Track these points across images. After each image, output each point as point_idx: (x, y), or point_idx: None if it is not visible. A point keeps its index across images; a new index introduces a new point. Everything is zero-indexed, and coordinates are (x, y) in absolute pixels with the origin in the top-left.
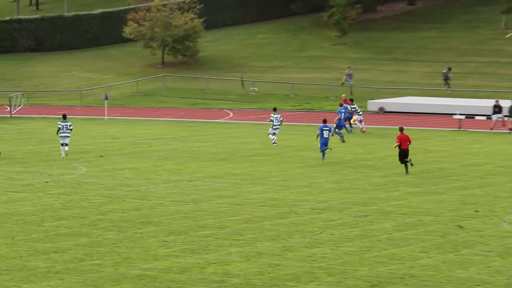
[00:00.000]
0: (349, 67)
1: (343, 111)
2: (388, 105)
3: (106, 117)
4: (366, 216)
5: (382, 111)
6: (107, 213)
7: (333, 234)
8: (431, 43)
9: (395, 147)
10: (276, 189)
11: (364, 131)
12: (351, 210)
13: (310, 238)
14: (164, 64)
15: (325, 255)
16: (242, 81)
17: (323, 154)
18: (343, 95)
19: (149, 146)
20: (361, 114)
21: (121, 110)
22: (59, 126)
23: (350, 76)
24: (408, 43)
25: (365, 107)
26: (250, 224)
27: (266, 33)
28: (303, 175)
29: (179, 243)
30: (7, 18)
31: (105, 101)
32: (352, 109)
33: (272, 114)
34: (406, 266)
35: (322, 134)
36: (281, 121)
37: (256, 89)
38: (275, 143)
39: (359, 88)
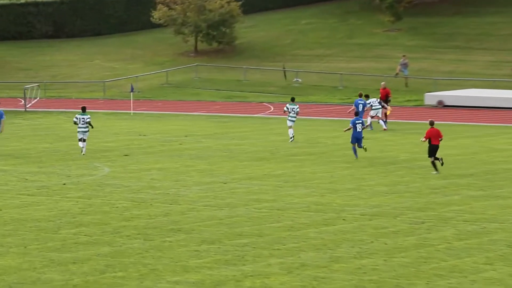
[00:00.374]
0: (404, 56)
1: (362, 102)
2: (447, 98)
3: (131, 111)
4: (423, 223)
5: (441, 105)
6: (132, 219)
7: (385, 244)
8: (496, 29)
9: (423, 141)
10: (321, 192)
11: (385, 129)
12: (406, 216)
13: (360, 247)
14: (197, 52)
15: (377, 267)
16: (284, 72)
17: (355, 151)
18: (382, 83)
19: (180, 144)
20: (379, 108)
21: (149, 104)
22: (75, 119)
23: (405, 65)
24: (470, 29)
25: (422, 100)
26: (292, 232)
27: (311, 17)
28: (351, 177)
29: (213, 253)
30: (22, 0)
31: (131, 93)
32: (370, 105)
33: (287, 105)
34: (468, 280)
35: (354, 127)
36: (297, 113)
37: (299, 80)
38: (292, 138)
39: (415, 80)
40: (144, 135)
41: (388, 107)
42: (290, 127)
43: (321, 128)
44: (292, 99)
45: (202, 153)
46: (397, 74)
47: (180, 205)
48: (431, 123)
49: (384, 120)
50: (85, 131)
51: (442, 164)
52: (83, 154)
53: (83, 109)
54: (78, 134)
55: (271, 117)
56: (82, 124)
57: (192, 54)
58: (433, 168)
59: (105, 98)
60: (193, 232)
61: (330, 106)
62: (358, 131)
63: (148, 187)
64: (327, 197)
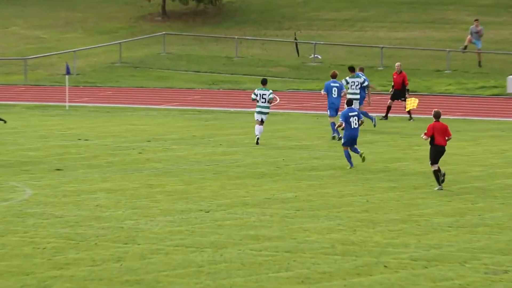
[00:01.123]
0: (476, 21)
1: (336, 85)
2: None
3: (67, 103)
4: (506, 272)
5: None
6: (67, 266)
7: None
8: None
9: (424, 139)
10: (351, 225)
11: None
12: (480, 262)
13: None
14: (165, 15)
15: None
16: (296, 44)
17: (349, 157)
18: (397, 64)
19: (140, 153)
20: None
21: (93, 92)
22: None
23: (478, 35)
24: None
25: (503, 87)
26: (307, 285)
27: None
28: (397, 202)
29: None
30: None
31: (67, 76)
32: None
33: (256, 90)
34: None
35: (348, 123)
36: (270, 101)
37: (319, 57)
38: (258, 141)
39: (494, 56)
40: (86, 140)
41: (411, 100)
42: (260, 122)
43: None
44: (264, 82)
45: (173, 166)
46: (465, 47)
47: (139, 244)
48: (436, 116)
49: (386, 117)
50: None
51: (443, 180)
52: None
53: None
54: None
55: (277, 112)
56: None
57: (159, 18)
58: (435, 182)
59: (27, 84)
60: (158, 286)
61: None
62: (354, 128)
63: (91, 217)
64: (360, 233)
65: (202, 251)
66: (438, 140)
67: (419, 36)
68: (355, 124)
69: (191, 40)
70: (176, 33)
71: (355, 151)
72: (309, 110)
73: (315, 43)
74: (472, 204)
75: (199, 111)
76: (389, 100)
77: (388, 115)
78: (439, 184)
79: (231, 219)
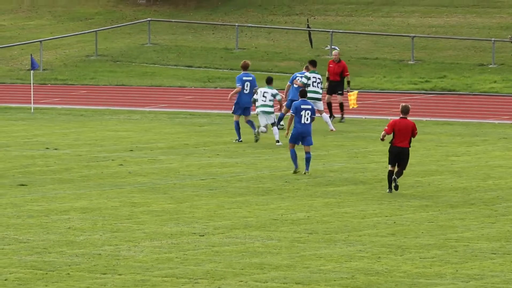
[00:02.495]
0: None
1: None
2: None
3: (32, 105)
4: None
5: None
6: None
7: None
8: None
9: (382, 138)
10: (375, 251)
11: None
12: None
13: None
14: None
15: None
16: (309, 33)
17: (295, 158)
18: (335, 51)
19: (121, 165)
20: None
21: (64, 92)
22: None
23: None
24: None
25: None
26: None
27: None
28: (430, 224)
29: None
30: None
31: (31, 72)
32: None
33: (260, 88)
34: None
35: (299, 117)
36: (280, 100)
37: (337, 48)
38: (256, 134)
39: None
40: (56, 149)
41: (351, 93)
42: (265, 125)
43: (374, 136)
44: (269, 81)
45: (160, 181)
46: None
47: (120, 275)
48: (404, 111)
49: (331, 116)
50: None
51: (395, 187)
52: None
53: None
54: None
55: (286, 115)
56: None
57: (143, 1)
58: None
59: None
60: None
61: (390, 95)
62: (304, 123)
63: (62, 242)
64: (385, 261)
65: (196, 282)
66: (398, 140)
67: (458, 23)
68: (307, 119)
69: (182, 28)
70: (164, 19)
71: (307, 157)
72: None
73: (332, 31)
74: None
75: (192, 114)
76: (326, 96)
77: (333, 112)
78: (389, 188)
79: (230, 245)
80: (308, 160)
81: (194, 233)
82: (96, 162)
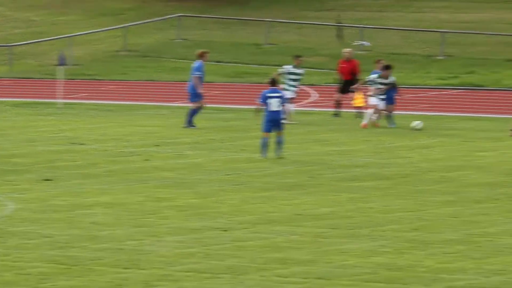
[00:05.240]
0: None
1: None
2: None
3: (60, 100)
4: None
5: None
6: None
7: None
8: None
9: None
10: (398, 246)
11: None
12: None
13: None
14: None
15: None
16: (339, 28)
17: (265, 146)
18: (347, 51)
19: (146, 160)
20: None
21: (93, 87)
22: None
23: None
24: None
25: None
26: None
27: None
28: (455, 219)
29: None
30: None
31: (61, 68)
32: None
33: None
34: None
35: (267, 105)
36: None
37: (366, 43)
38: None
39: None
40: (82, 144)
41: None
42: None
43: (401, 132)
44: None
45: (186, 176)
46: None
47: (143, 269)
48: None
49: (337, 110)
50: None
51: None
52: None
53: None
54: None
55: (312, 111)
56: None
57: None
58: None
59: (12, 77)
60: None
61: (419, 91)
62: (274, 111)
63: (86, 237)
64: (408, 256)
65: (218, 277)
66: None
67: (490, 19)
68: (277, 106)
69: (212, 23)
70: (193, 15)
71: (279, 142)
72: (353, 109)
73: (362, 27)
74: None
75: (219, 109)
76: (337, 94)
77: (339, 110)
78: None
79: (254, 239)
80: (279, 143)
81: (218, 228)
82: (122, 157)
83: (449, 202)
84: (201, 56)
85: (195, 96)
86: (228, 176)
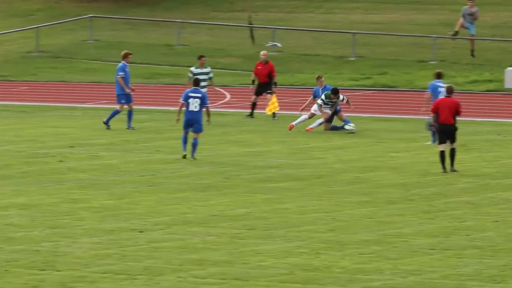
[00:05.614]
0: (470, 2)
1: None
2: None
3: None
4: None
5: None
6: None
7: None
8: None
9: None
10: (314, 247)
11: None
12: None
13: None
14: None
15: None
16: (251, 29)
17: (185, 142)
18: (263, 53)
19: (61, 161)
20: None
21: (5, 88)
22: None
23: (472, 17)
24: None
25: (501, 81)
26: None
27: None
28: (369, 220)
29: None
30: None
31: None
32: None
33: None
34: None
35: (187, 105)
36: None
37: (279, 45)
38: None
39: (489, 43)
40: None
41: (274, 101)
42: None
43: (315, 133)
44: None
45: (100, 177)
46: (456, 33)
47: (59, 271)
48: (449, 91)
49: (252, 112)
50: None
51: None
52: None
53: None
54: None
55: (226, 112)
56: None
57: None
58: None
59: None
60: None
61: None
62: (192, 111)
63: (1, 239)
64: (324, 257)
65: (135, 278)
66: (443, 118)
67: (399, 20)
68: (195, 107)
69: (124, 24)
70: (105, 16)
71: (194, 143)
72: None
73: (274, 28)
74: (459, 222)
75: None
76: (253, 96)
77: (254, 112)
78: (444, 168)
79: (170, 241)
80: (194, 146)
81: (134, 229)
82: (37, 159)
83: (364, 202)
84: (124, 57)
85: (121, 97)
86: (143, 177)
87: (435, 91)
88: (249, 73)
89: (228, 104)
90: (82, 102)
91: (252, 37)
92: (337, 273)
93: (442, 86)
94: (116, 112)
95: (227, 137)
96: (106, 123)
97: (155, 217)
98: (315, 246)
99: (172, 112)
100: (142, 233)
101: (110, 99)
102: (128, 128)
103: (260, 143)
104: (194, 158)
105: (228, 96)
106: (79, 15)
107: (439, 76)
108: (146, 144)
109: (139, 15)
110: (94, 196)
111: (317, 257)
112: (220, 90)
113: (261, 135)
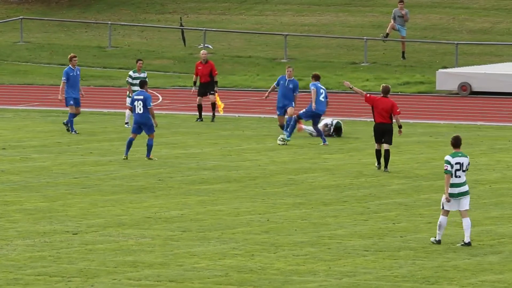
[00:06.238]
0: (400, 3)
1: None
2: (477, 79)
3: None
4: None
5: (466, 91)
6: None
7: None
8: None
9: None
10: (248, 249)
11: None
12: None
13: None
14: None
15: None
16: (183, 32)
17: (127, 146)
18: (203, 51)
19: None
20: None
21: None
22: None
23: (403, 19)
24: None
25: (432, 83)
26: None
27: None
28: (303, 222)
29: None
30: None
31: None
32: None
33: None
34: None
35: (133, 108)
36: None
37: (210, 47)
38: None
39: (421, 46)
40: None
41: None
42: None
43: (249, 134)
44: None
45: (33, 179)
46: (387, 35)
47: None
48: (385, 91)
49: (200, 118)
50: None
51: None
52: None
53: None
54: None
55: (159, 114)
56: None
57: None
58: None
59: None
60: None
61: (263, 94)
62: (138, 113)
63: None
64: (259, 259)
65: (69, 281)
66: (379, 118)
67: (331, 22)
68: (140, 109)
69: (55, 26)
70: (36, 17)
71: (148, 144)
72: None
73: (205, 30)
74: (393, 223)
75: (64, 112)
76: (197, 98)
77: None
78: (378, 164)
79: (104, 243)
80: (148, 146)
81: (67, 232)
82: None
83: (298, 204)
84: (69, 60)
85: (69, 100)
86: (76, 179)
87: (318, 91)
88: (180, 75)
89: (160, 106)
90: (14, 104)
91: (184, 39)
92: (272, 275)
93: (322, 87)
94: (72, 116)
95: (159, 139)
96: (71, 130)
97: (89, 219)
98: (250, 248)
99: (104, 114)
100: (76, 235)
101: (41, 101)
102: (71, 132)
103: (192, 145)
104: (150, 159)
105: (160, 98)
106: (9, 17)
107: (317, 78)
108: (78, 146)
109: (70, 17)
110: (27, 198)
111: (252, 259)
112: (152, 92)
113: (193, 137)
